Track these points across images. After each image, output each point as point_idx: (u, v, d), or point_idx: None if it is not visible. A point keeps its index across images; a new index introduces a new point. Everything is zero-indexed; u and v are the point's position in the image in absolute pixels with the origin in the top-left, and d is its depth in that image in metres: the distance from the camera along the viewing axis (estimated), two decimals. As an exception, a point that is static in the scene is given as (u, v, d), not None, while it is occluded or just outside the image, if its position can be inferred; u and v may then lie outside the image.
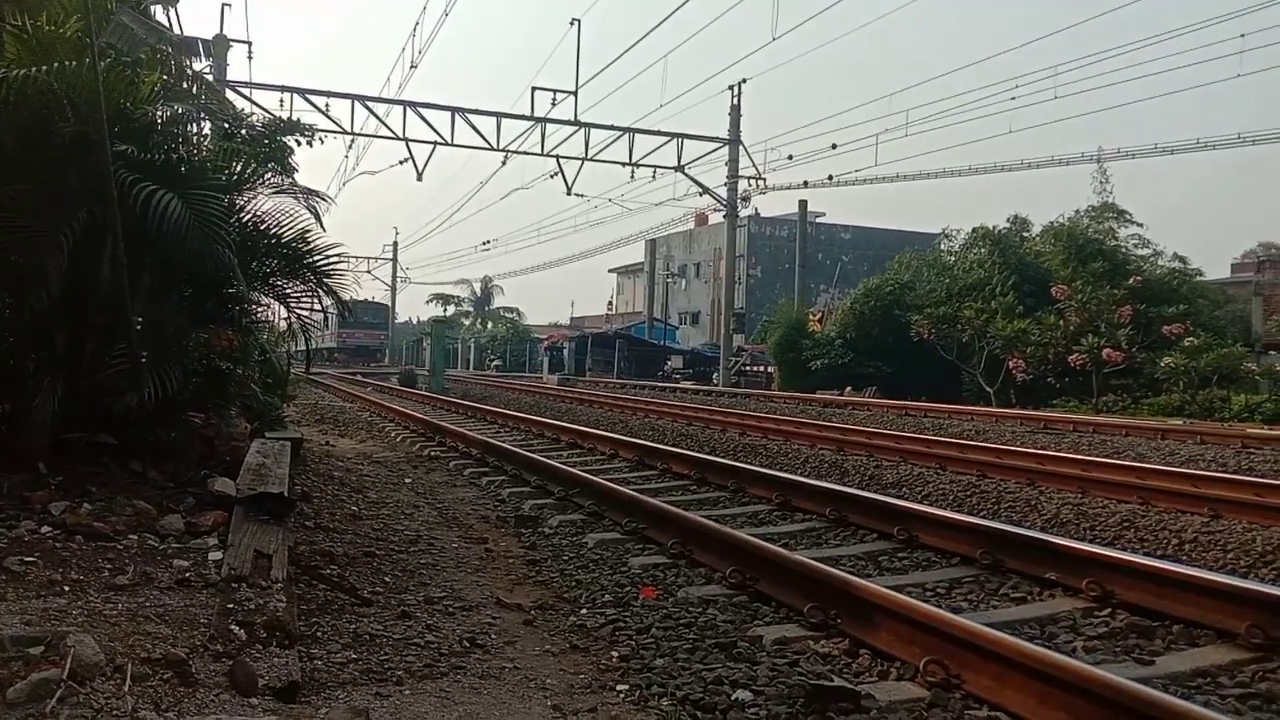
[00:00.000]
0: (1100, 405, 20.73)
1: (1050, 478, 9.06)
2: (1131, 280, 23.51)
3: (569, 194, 30.30)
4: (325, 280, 8.21)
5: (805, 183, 33.40)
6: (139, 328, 6.82)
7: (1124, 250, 26.74)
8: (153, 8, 10.16)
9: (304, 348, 46.66)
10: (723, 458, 10.40)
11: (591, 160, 29.44)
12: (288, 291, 8.37)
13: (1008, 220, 29.34)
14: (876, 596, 4.24)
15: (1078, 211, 28.22)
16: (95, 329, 6.85)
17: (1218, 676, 3.84)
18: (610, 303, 77.66)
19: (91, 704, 3.00)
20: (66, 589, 4.23)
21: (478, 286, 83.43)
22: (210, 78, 18.36)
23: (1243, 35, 21.51)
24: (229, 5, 23.32)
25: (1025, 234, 29.03)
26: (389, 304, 70.50)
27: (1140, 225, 27.41)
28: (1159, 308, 22.83)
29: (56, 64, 5.97)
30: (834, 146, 29.39)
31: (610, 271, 76.18)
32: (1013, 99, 25.62)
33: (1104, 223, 27.39)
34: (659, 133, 29.73)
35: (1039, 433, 15.51)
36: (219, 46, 22.81)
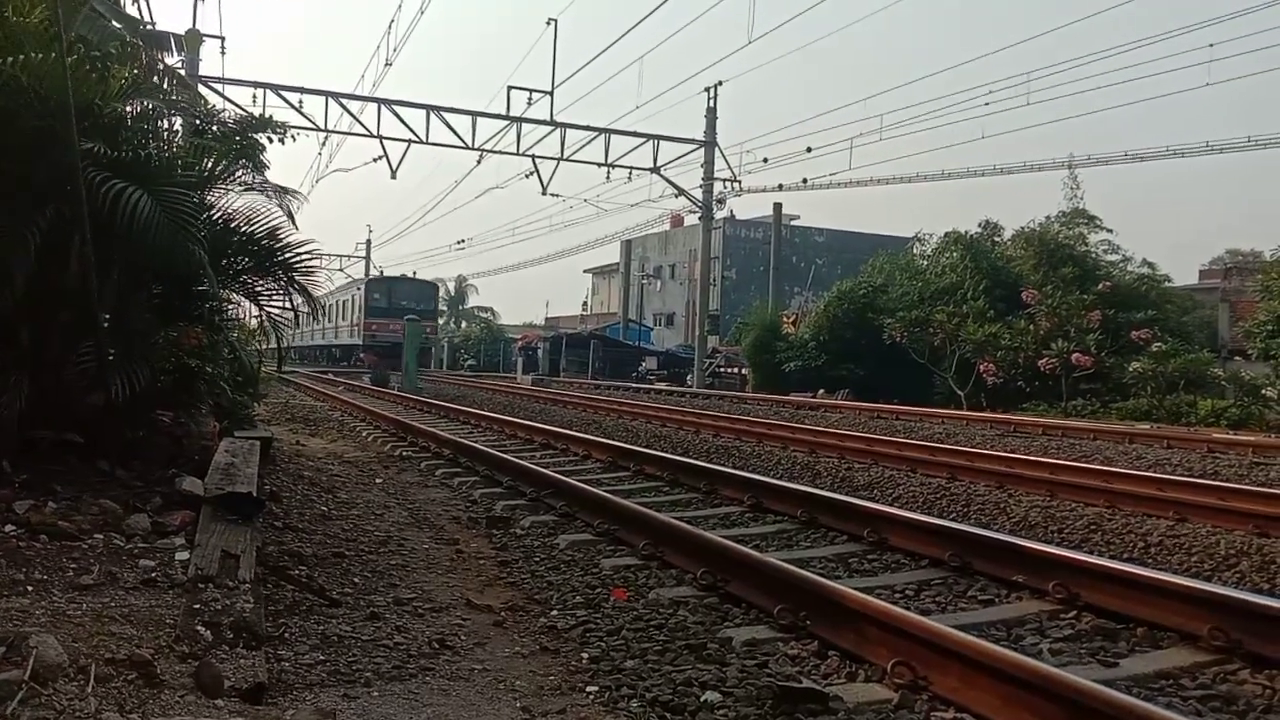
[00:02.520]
0: (1069, 409, 20.94)
1: (1019, 481, 9.15)
2: (1101, 286, 23.76)
3: (544, 194, 30.32)
4: (297, 278, 8.15)
5: (780, 186, 33.62)
6: (107, 325, 6.75)
7: (1094, 256, 27.02)
8: (125, 1, 10.05)
9: (323, 343, 44.72)
10: (696, 459, 10.41)
11: (567, 160, 29.44)
12: (259, 289, 8.30)
13: (980, 225, 29.62)
14: (846, 599, 4.26)
15: (1048, 217, 28.51)
16: (62, 326, 6.77)
17: (1180, 678, 3.89)
18: (585, 303, 77.57)
19: (54, 705, 2.96)
20: (30, 589, 4.18)
21: (452, 286, 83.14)
22: (182, 73, 18.19)
23: (1211, 45, 21.86)
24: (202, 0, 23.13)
25: (997, 239, 29.29)
26: (435, 285, 54.96)
27: (1110, 231, 27.72)
28: (1128, 313, 23.09)
29: (23, 56, 5.89)
30: (809, 150, 29.59)
31: (585, 272, 76.09)
32: (986, 104, 25.91)
33: (1074, 228, 27.66)
34: (635, 134, 29.77)
35: (1009, 436, 15.65)
36: (191, 41, 22.59)
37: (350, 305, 49.36)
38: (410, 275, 53.69)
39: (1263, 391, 18.71)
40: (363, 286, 48.05)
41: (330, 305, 50.38)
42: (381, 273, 59.56)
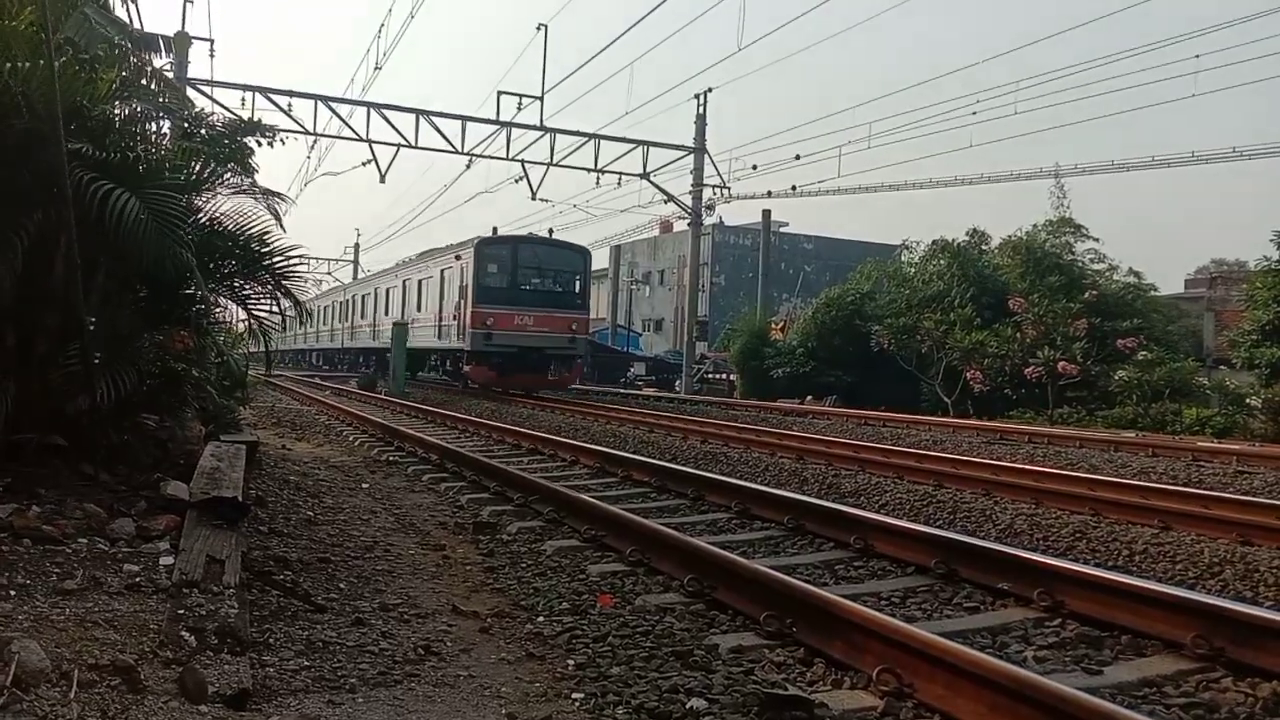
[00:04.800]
0: (1055, 417, 21.02)
1: (1005, 488, 9.18)
2: (1087, 294, 23.87)
3: (534, 199, 30.13)
4: (284, 282, 8.14)
5: (769, 192, 33.64)
6: (93, 328, 6.72)
7: (1080, 264, 27.14)
8: (112, 2, 10.02)
9: (370, 344, 32.65)
10: (683, 465, 10.41)
11: (557, 166, 29.40)
12: (247, 292, 8.28)
13: (967, 233, 29.71)
14: (832, 605, 4.27)
15: (1035, 225, 28.64)
16: (47, 329, 6.73)
17: (1163, 686, 3.91)
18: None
19: (36, 711, 2.95)
20: (13, 593, 4.15)
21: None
22: (171, 75, 18.14)
23: (1198, 56, 22.03)
24: (191, 2, 23.10)
25: (984, 247, 29.38)
26: (586, 252, 30.10)
27: (1096, 240, 27.85)
28: (1114, 322, 23.20)
29: (10, 58, 5.86)
30: (797, 157, 29.66)
31: (574, 277, 75.79)
32: (974, 113, 26.05)
33: (1061, 237, 27.79)
34: (625, 139, 29.76)
35: (995, 443, 15.70)
36: (180, 43, 22.55)
37: (436, 284, 29.81)
38: (551, 235, 30.77)
39: (1247, 400, 18.82)
40: (471, 251, 26.59)
41: (378, 293, 37.53)
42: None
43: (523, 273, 27.00)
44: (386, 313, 35.66)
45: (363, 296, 40.80)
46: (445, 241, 32.69)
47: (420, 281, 31.91)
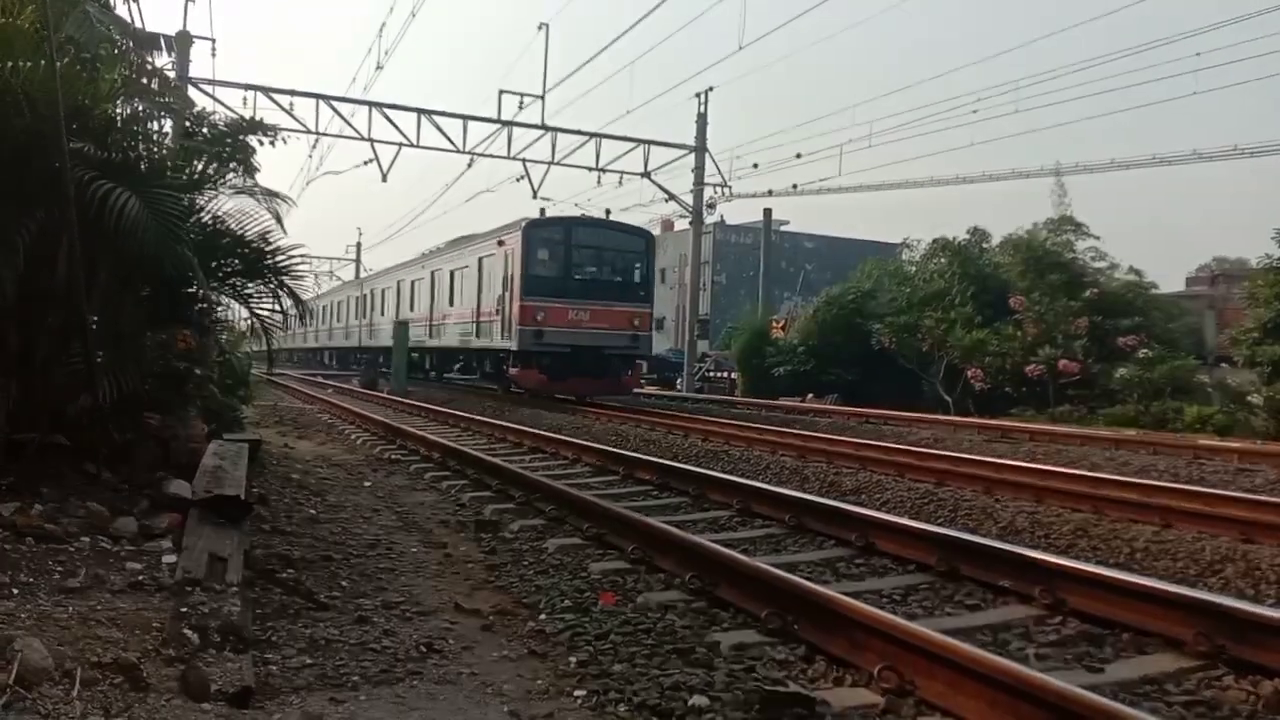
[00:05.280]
0: (1056, 415, 21.00)
1: (1006, 486, 9.17)
2: (1088, 292, 23.84)
3: (535, 198, 30.08)
4: (286, 281, 8.15)
5: (770, 191, 33.64)
6: (95, 327, 6.73)
7: (1081, 263, 27.10)
8: (114, 0, 10.02)
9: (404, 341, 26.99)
10: (684, 463, 10.41)
11: (558, 165, 29.39)
12: (249, 291, 8.29)
13: (968, 232, 29.67)
14: (833, 603, 4.28)
15: (1036, 224, 28.61)
16: (50, 329, 6.74)
17: (1165, 684, 3.91)
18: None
19: (39, 709, 2.96)
20: (15, 591, 4.16)
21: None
22: (172, 74, 18.14)
23: (1198, 54, 22.01)
24: (193, 1, 23.10)
25: (985, 245, 29.36)
26: (649, 236, 25.99)
27: (1097, 238, 27.82)
28: (1115, 320, 23.17)
29: (12, 58, 5.87)
30: (798, 156, 29.63)
31: (576, 275, 75.78)
32: (974, 112, 26.05)
33: (1061, 235, 27.75)
34: (626, 138, 29.74)
35: (996, 441, 15.69)
36: (182, 42, 22.52)
37: (472, 275, 25.76)
38: (608, 217, 28.07)
39: (1248, 398, 18.78)
40: (518, 235, 22.85)
41: (401, 287, 33.79)
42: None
43: (578, 260, 23.10)
44: (412, 308, 32.21)
45: (383, 291, 37.39)
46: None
47: (453, 273, 27.88)
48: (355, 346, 42.20)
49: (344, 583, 5.14)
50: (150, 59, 10.45)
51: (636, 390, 26.31)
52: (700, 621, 4.60)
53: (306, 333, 51.29)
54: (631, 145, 29.80)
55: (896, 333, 25.35)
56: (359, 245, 70.54)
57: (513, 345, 22.22)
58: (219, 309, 8.60)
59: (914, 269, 29.77)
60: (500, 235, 23.81)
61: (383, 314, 36.37)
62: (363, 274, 59.21)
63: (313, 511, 7.29)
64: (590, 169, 29.72)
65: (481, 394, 25.37)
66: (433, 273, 30.07)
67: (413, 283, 32.58)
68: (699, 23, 38.10)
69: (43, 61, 5.83)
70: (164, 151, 7.82)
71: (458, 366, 29.97)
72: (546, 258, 22.72)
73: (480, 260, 25.11)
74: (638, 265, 23.88)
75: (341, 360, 46.61)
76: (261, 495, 7.36)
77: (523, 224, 22.83)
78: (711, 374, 36.59)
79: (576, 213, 28.54)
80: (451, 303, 27.70)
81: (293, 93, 25.72)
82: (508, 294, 22.69)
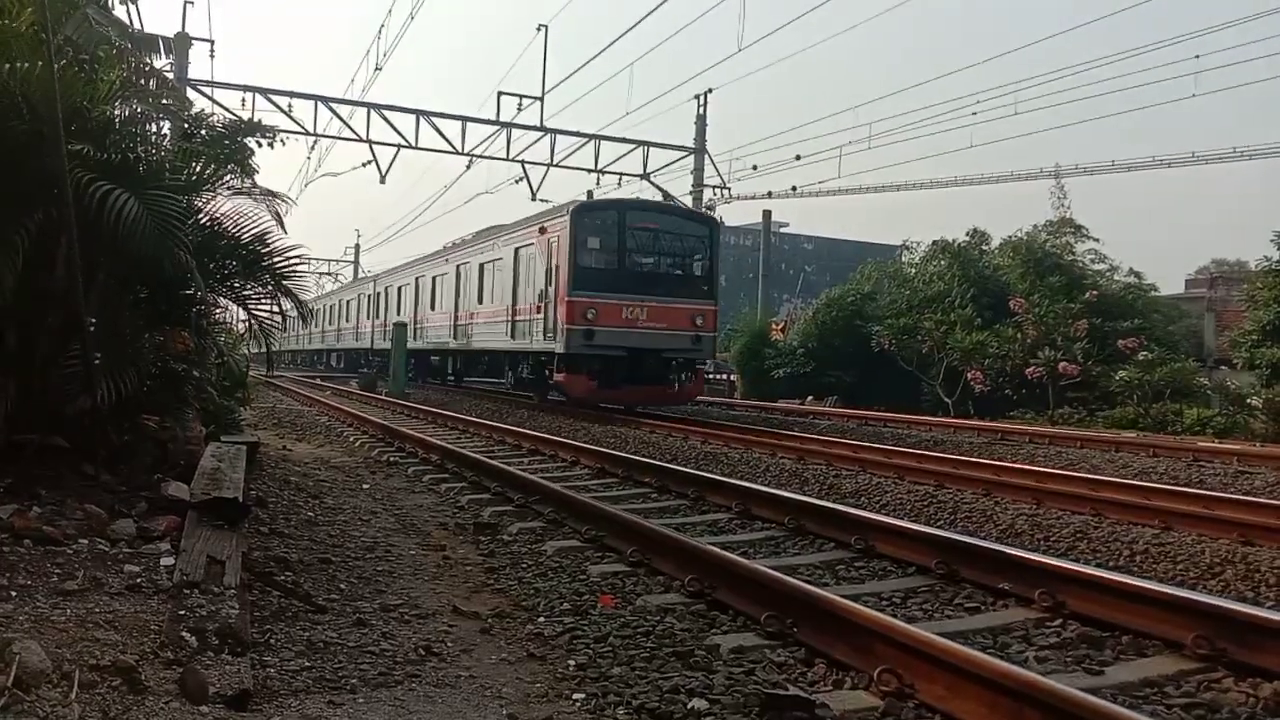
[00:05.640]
0: (1056, 417, 21.02)
1: (1006, 488, 9.17)
2: (1088, 295, 23.87)
3: (534, 199, 30.09)
4: (284, 282, 8.14)
5: (769, 193, 33.68)
6: (93, 328, 6.72)
7: (1080, 265, 27.16)
8: (112, 2, 10.02)
9: (437, 344, 25.38)
10: (684, 466, 10.41)
11: (557, 166, 29.41)
12: (247, 293, 8.28)
13: (967, 233, 29.73)
14: (833, 606, 4.27)
15: (1036, 226, 28.66)
16: (49, 329, 6.73)
17: (1164, 686, 3.91)
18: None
19: (37, 712, 2.95)
20: (13, 594, 4.15)
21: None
22: (171, 76, 18.15)
23: (1198, 56, 22.03)
24: (191, 2, 23.11)
25: (984, 247, 29.41)
26: (714, 221, 24.23)
27: (1096, 240, 27.88)
28: (1114, 322, 23.20)
29: (10, 59, 5.87)
30: (798, 158, 29.69)
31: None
32: (974, 114, 26.08)
33: (1061, 237, 27.82)
34: (625, 140, 29.75)
35: (996, 444, 15.69)
36: (180, 44, 22.58)
37: (507, 269, 22.97)
38: (666, 199, 27.26)
39: (1248, 400, 18.81)
40: (565, 220, 20.04)
41: (420, 284, 31.20)
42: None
43: (633, 248, 20.14)
44: (433, 306, 29.63)
45: (399, 288, 34.78)
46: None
47: (483, 266, 25.02)
48: (367, 348, 39.51)
49: (342, 585, 5.13)
50: (149, 61, 10.45)
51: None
52: (699, 624, 4.60)
53: (311, 334, 50.09)
54: (631, 147, 29.83)
55: (896, 335, 25.37)
56: (357, 247, 70.61)
57: (557, 347, 19.28)
58: (217, 310, 8.58)
59: (914, 271, 29.82)
60: (542, 222, 21.01)
61: (399, 313, 33.44)
62: (362, 274, 58.78)
63: (311, 514, 7.28)
64: (589, 170, 29.74)
65: (480, 396, 25.30)
66: (458, 267, 27.12)
67: (434, 279, 29.91)
68: (698, 24, 38.09)
69: (40, 63, 5.82)
70: (162, 153, 7.80)
71: (482, 370, 27.52)
72: (598, 246, 19.83)
73: (516, 251, 22.28)
74: (700, 255, 20.82)
75: (351, 363, 43.77)
76: (260, 498, 7.36)
77: (570, 208, 20.06)
78: (710, 376, 36.62)
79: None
80: (481, 300, 24.90)
81: (291, 94, 25.77)
82: (552, 288, 19.72)
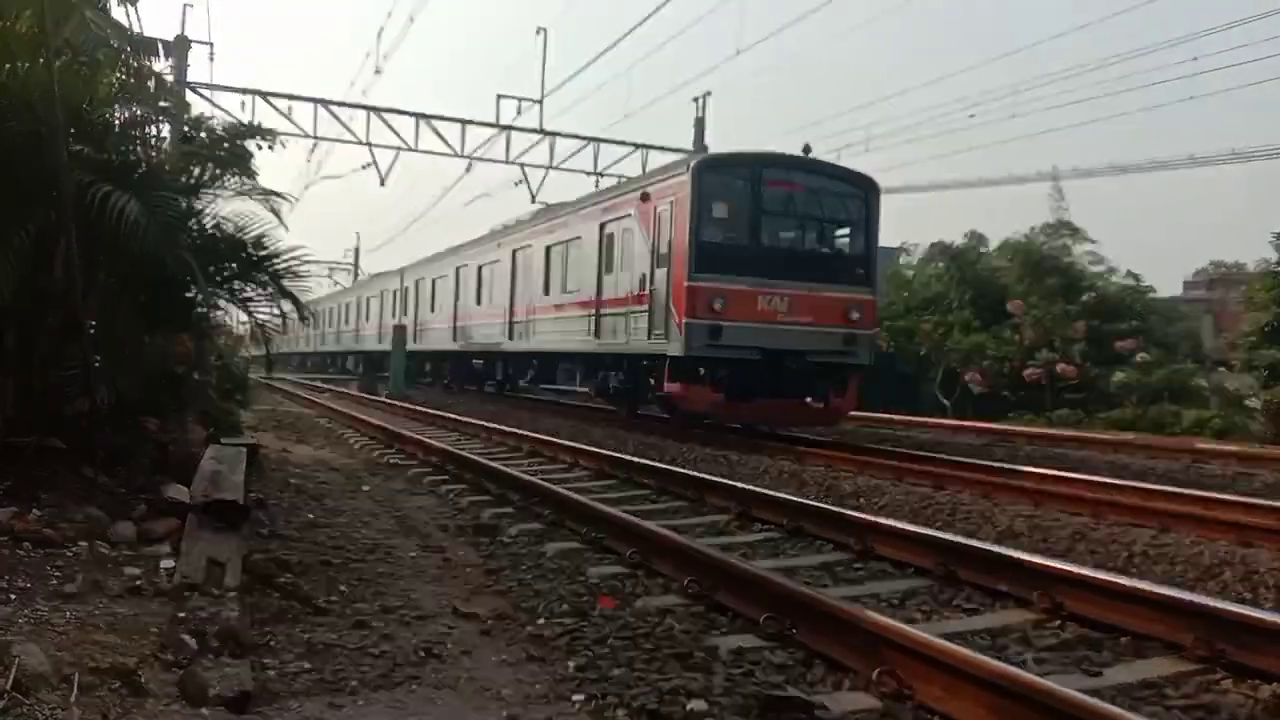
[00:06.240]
0: (1054, 419, 21.03)
1: (1005, 490, 9.17)
2: (1086, 296, 23.90)
3: (534, 202, 30.04)
4: (285, 284, 8.14)
5: (769, 194, 33.55)
6: (92, 330, 6.72)
7: (1079, 267, 27.18)
8: (111, 5, 10.02)
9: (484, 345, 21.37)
10: (683, 468, 10.41)
11: (556, 169, 29.37)
12: (248, 295, 8.29)
13: (965, 236, 29.76)
14: (831, 607, 4.28)
15: (1034, 228, 28.68)
16: (48, 331, 6.74)
17: (1163, 688, 3.91)
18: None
19: (37, 715, 2.95)
20: (13, 597, 4.16)
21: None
22: (170, 79, 18.13)
23: (1195, 58, 22.06)
24: (191, 5, 23.10)
25: (982, 249, 29.43)
26: (872, 184, 16.03)
27: (1094, 242, 27.90)
28: (1112, 324, 23.23)
29: (11, 61, 5.88)
30: (797, 159, 29.58)
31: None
32: (971, 116, 26.09)
33: (1059, 240, 27.83)
34: (624, 143, 29.67)
35: (994, 445, 15.70)
36: (180, 47, 22.52)
37: (589, 250, 18.56)
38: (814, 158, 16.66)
39: (1246, 402, 18.84)
40: (685, 180, 14.89)
41: (462, 275, 27.18)
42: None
43: (772, 218, 15.47)
44: (480, 301, 25.12)
45: (433, 281, 30.31)
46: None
47: (550, 250, 20.59)
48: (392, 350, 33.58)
49: (342, 587, 5.13)
50: (148, 63, 10.45)
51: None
52: (699, 626, 4.60)
53: (326, 334, 47.15)
54: (630, 149, 29.81)
55: (894, 336, 25.38)
56: (357, 250, 70.46)
57: (671, 348, 14.72)
58: (217, 312, 8.58)
59: (912, 273, 29.82)
60: (643, 186, 16.51)
61: (432, 310, 29.59)
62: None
63: (311, 516, 7.28)
64: (589, 173, 29.68)
65: (481, 399, 25.16)
66: (514, 253, 22.73)
67: (480, 269, 25.39)
68: (697, 27, 38.13)
69: (41, 60, 5.83)
70: (162, 155, 7.82)
71: (536, 375, 23.44)
72: (725, 215, 15.15)
73: (602, 229, 17.73)
74: (856, 228, 16.04)
75: (372, 365, 38.06)
76: (260, 500, 7.35)
77: (690, 164, 15.40)
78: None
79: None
80: (548, 291, 20.41)
81: (291, 97, 25.72)
82: (662, 272, 15.17)
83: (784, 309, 14.60)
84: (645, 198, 16.05)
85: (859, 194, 15.88)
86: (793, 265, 15.11)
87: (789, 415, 15.39)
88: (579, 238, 18.95)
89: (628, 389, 17.58)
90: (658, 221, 15.58)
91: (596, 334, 17.58)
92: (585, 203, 19.79)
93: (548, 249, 20.76)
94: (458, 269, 27.91)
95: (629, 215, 16.69)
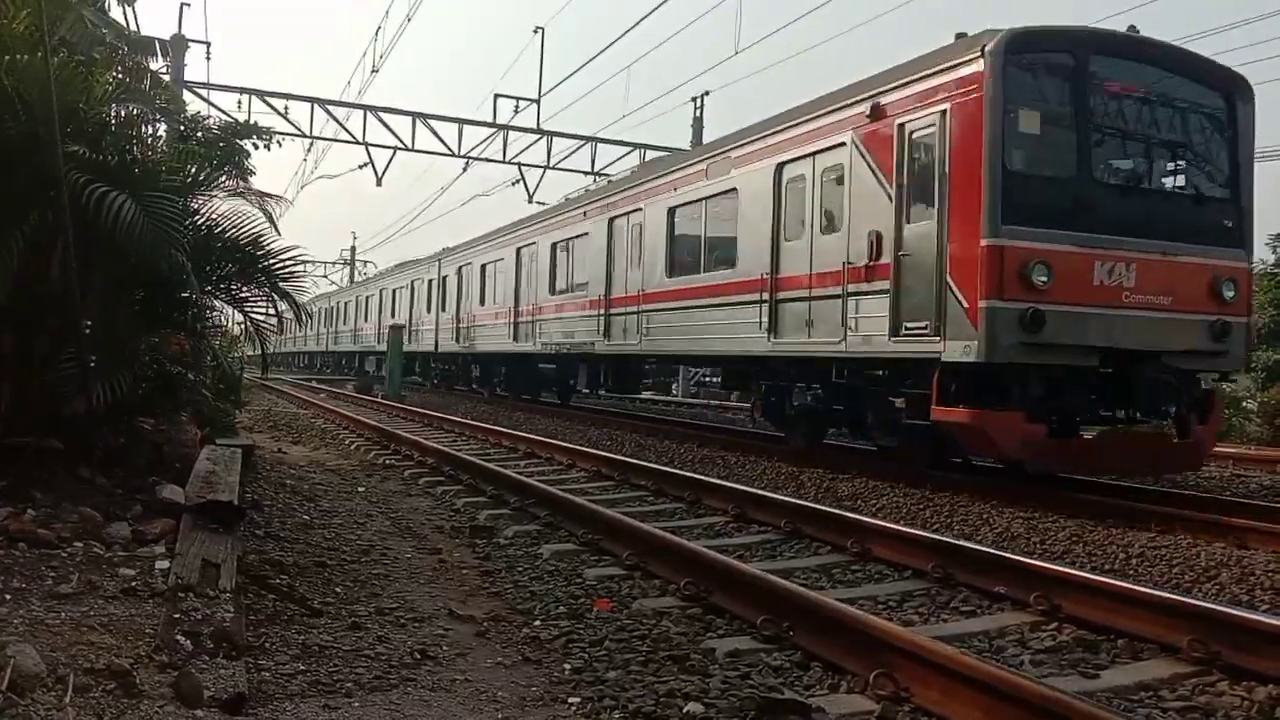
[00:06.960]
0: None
1: (1002, 491, 9.15)
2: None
3: (531, 202, 30.08)
4: (281, 284, 8.12)
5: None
6: (89, 331, 6.71)
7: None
8: (109, 4, 10.01)
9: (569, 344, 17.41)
10: (680, 469, 10.41)
11: (553, 169, 29.38)
12: (244, 295, 8.27)
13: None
14: (828, 610, 4.27)
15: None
16: (45, 331, 6.72)
17: (1160, 690, 3.91)
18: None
19: (31, 716, 2.94)
20: (8, 597, 4.14)
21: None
22: (167, 78, 18.11)
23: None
24: (188, 4, 23.02)
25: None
26: (1240, 83, 9.69)
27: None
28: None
29: (7, 59, 5.86)
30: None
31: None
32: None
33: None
34: (621, 142, 29.72)
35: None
36: (177, 46, 22.49)
37: (761, 206, 12.12)
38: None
39: (1244, 404, 18.85)
40: (981, 61, 8.63)
41: (519, 258, 22.32)
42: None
43: (1108, 138, 9.84)
44: (554, 288, 20.16)
45: (482, 267, 25.70)
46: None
47: (674, 211, 15.15)
48: (430, 351, 30.12)
49: (338, 589, 5.12)
50: (145, 62, 10.44)
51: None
52: (695, 628, 4.60)
53: (338, 333, 45.02)
54: (627, 149, 29.82)
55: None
56: (353, 249, 70.43)
57: (955, 350, 8.98)
58: (213, 313, 8.57)
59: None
60: (873, 94, 10.43)
61: (483, 302, 25.05)
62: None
63: (306, 517, 7.27)
64: (586, 173, 29.71)
65: (476, 399, 25.04)
66: (610, 223, 17.19)
67: (555, 246, 20.22)
68: (695, 27, 38.07)
69: (40, 53, 5.81)
70: (159, 155, 7.80)
71: (622, 382, 19.48)
72: (1037, 132, 9.35)
73: (780, 172, 12.03)
74: (1217, 152, 10.23)
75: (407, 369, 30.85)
76: (255, 501, 7.34)
77: (986, 45, 8.97)
78: (706, 379, 36.60)
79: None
80: (671, 270, 15.06)
81: (287, 96, 25.72)
82: (930, 227, 9.42)
83: (1131, 284, 9.15)
84: (878, 112, 10.25)
85: (1220, 99, 10.15)
86: (1138, 215, 9.53)
87: (1142, 457, 9.73)
88: (732, 190, 13.17)
89: (842, 411, 11.94)
90: (909, 147, 9.87)
91: (774, 330, 11.90)
92: (741, 139, 13.24)
93: (671, 211, 15.14)
94: (518, 250, 22.44)
95: (839, 145, 10.88)
